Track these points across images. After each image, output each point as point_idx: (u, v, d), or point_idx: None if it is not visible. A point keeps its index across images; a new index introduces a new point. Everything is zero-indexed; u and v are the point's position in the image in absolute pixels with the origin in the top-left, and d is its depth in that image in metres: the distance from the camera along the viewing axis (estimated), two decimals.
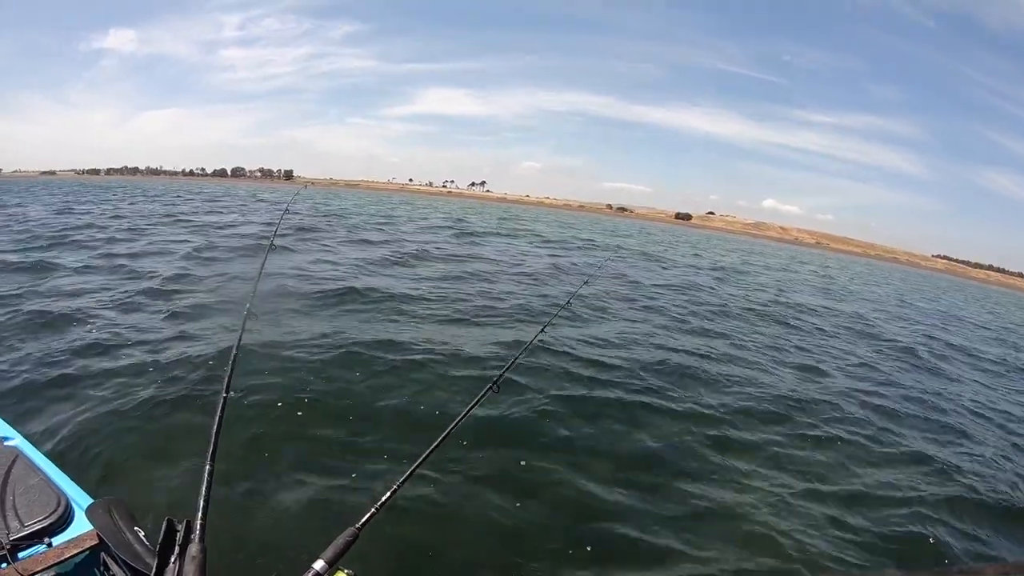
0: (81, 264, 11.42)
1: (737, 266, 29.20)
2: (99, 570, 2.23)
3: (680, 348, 8.75)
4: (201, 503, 1.52)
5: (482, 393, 2.31)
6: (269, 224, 20.08)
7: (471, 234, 25.80)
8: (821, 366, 9.19)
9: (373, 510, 1.59)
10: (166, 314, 7.80)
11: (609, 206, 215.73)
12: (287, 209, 3.95)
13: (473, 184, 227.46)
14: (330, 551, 1.41)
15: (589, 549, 3.83)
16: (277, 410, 5.09)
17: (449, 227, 28.67)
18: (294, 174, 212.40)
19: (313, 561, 1.37)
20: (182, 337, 6.76)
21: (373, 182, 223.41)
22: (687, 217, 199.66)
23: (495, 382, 2.43)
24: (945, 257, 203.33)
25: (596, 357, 7.51)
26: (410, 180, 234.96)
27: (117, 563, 2.11)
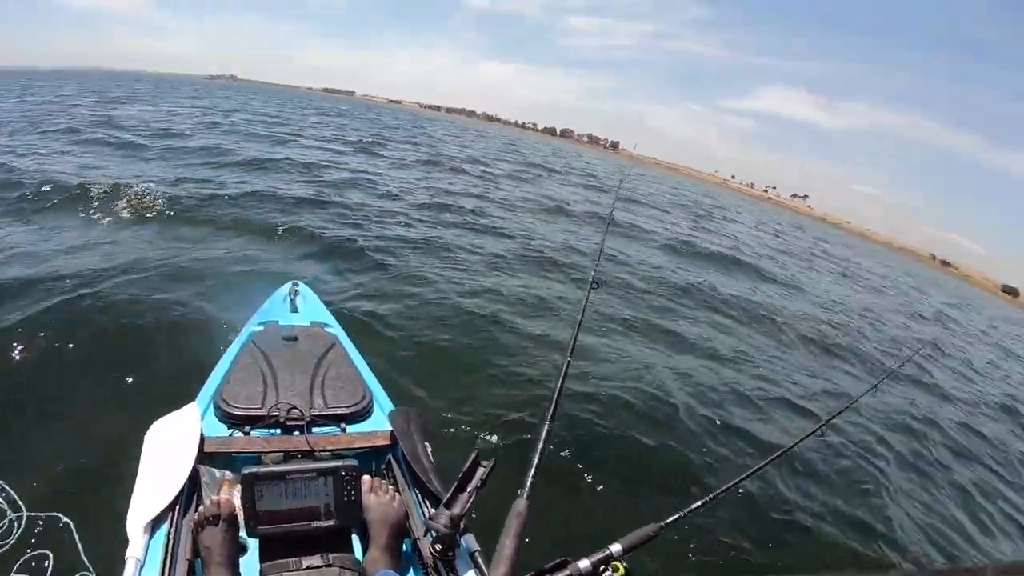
0: None
1: None
2: (379, 466, 2.31)
3: None
4: (535, 460, 1.54)
5: (808, 433, 2.20)
6: None
7: None
8: None
9: (680, 513, 1.55)
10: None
11: (932, 256, 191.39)
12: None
13: (795, 196, 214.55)
14: (629, 538, 1.41)
15: None
16: (614, 393, 5.00)
17: None
18: (620, 146, 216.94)
19: (611, 543, 1.37)
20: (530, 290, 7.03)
21: (696, 171, 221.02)
22: (1014, 293, 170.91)
23: (821, 426, 2.27)
24: None
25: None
26: (732, 177, 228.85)
27: (402, 468, 2.18)
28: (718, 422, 5.14)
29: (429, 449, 2.16)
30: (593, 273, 2.62)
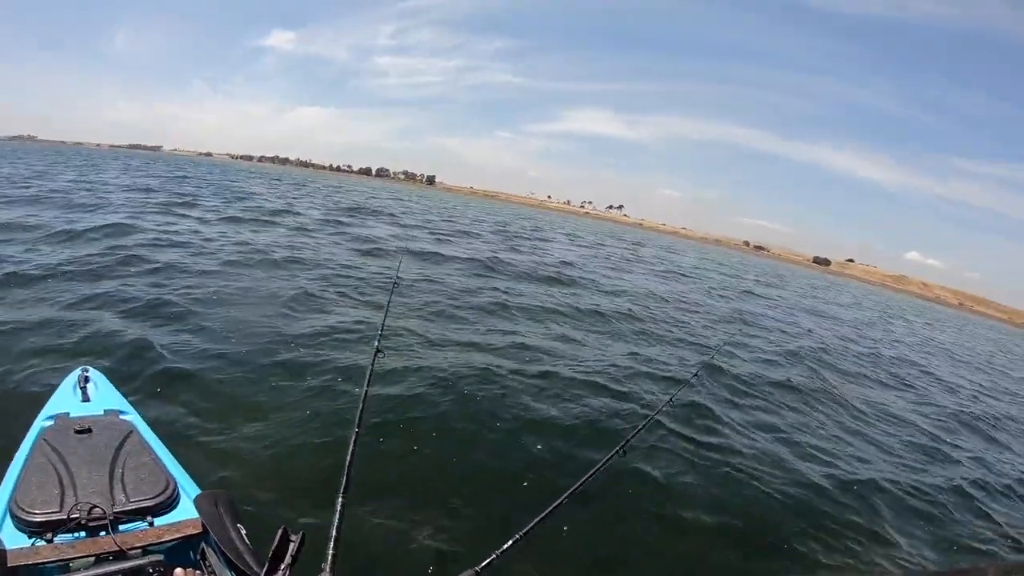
0: None
1: None
2: (195, 556, 2.25)
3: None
4: (333, 534, 1.60)
5: (608, 456, 2.32)
6: None
7: None
8: None
9: (494, 556, 1.64)
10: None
11: (746, 243, 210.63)
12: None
13: (611, 207, 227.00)
14: None
15: None
16: (407, 445, 4.94)
17: None
18: (436, 180, 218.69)
19: None
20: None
21: (512, 195, 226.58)
22: (825, 262, 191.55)
23: (622, 446, 2.41)
24: None
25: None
26: (548, 197, 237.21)
27: (217, 555, 2.14)
28: (538, 446, 5.17)
29: (243, 531, 2.12)
30: (377, 343, 2.73)
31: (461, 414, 5.48)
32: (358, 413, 2.20)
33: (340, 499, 1.72)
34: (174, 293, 7.88)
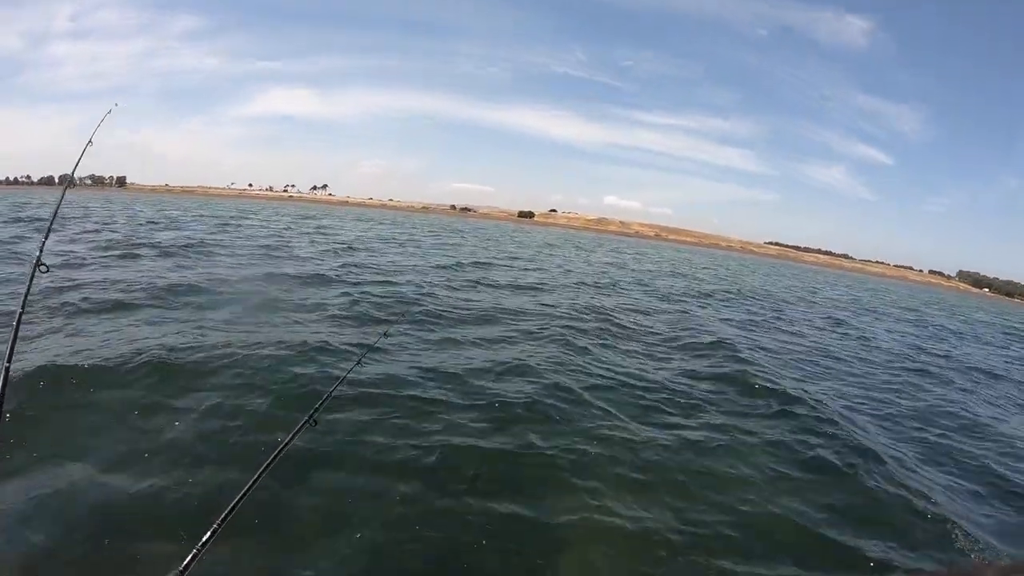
0: None
1: None
2: None
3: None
4: None
5: (298, 428, 2.18)
6: None
7: None
8: None
9: (195, 551, 1.47)
10: None
11: (453, 207, 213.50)
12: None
13: (315, 188, 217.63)
14: None
15: None
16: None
17: None
18: (127, 181, 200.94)
19: None
20: None
21: (211, 188, 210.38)
22: (529, 215, 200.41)
23: (311, 416, 2.28)
24: (777, 243, 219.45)
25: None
26: (249, 185, 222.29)
27: None
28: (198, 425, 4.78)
29: None
30: (39, 253, 2.49)
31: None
32: (10, 343, 1.94)
33: None
34: None
